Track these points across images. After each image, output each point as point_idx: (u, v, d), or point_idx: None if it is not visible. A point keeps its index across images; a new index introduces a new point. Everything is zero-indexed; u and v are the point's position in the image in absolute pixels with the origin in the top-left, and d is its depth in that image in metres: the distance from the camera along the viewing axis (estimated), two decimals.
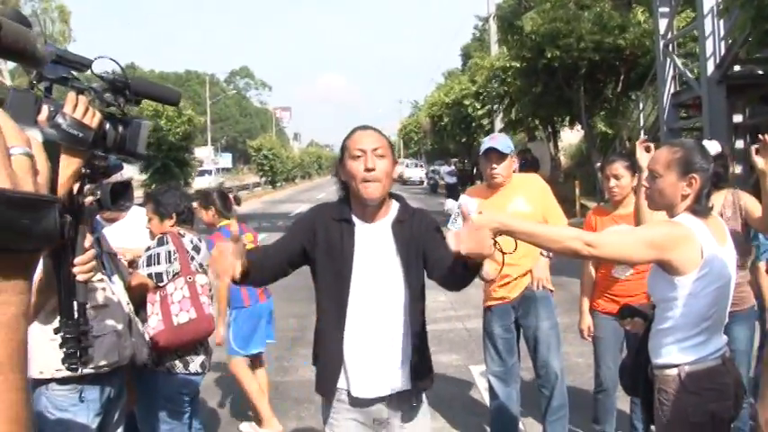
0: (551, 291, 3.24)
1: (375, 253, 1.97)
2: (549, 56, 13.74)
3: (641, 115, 13.96)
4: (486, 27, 26.39)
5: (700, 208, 1.89)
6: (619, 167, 3.09)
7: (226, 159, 69.40)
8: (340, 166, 1.99)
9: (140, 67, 70.65)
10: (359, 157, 1.89)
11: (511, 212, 3.01)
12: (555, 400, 3.21)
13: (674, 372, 1.88)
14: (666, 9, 11.36)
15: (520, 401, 3.35)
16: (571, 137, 22.30)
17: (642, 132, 12.93)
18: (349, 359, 1.97)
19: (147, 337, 2.49)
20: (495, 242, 1.93)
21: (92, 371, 2.04)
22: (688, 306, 1.85)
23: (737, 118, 10.20)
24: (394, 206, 2.03)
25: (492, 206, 2.97)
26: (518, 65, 15.45)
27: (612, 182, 3.09)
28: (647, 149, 2.27)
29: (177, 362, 2.67)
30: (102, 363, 2.11)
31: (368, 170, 1.88)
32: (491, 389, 3.33)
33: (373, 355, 1.96)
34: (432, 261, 1.93)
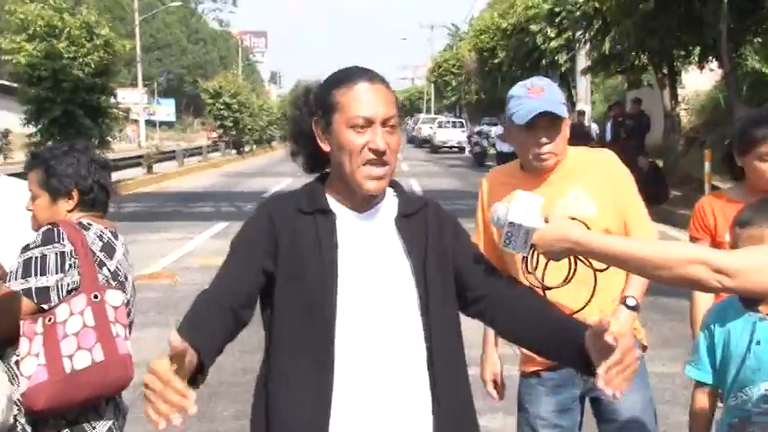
0: (644, 347, 3.07)
1: (372, 258, 1.95)
2: None
3: None
4: None
5: None
6: None
7: (166, 108, 70.67)
8: (318, 128, 1.98)
9: None
10: (361, 128, 1.91)
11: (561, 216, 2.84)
12: None
13: None
14: None
15: None
16: (699, 81, 22.02)
17: None
18: None
19: (19, 393, 2.46)
20: (578, 259, 1.90)
21: None
22: None
23: None
24: (388, 191, 2.06)
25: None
26: None
27: (766, 166, 2.91)
28: None
29: None
30: None
31: (377, 152, 1.91)
32: None
33: None
34: (474, 295, 2.02)
